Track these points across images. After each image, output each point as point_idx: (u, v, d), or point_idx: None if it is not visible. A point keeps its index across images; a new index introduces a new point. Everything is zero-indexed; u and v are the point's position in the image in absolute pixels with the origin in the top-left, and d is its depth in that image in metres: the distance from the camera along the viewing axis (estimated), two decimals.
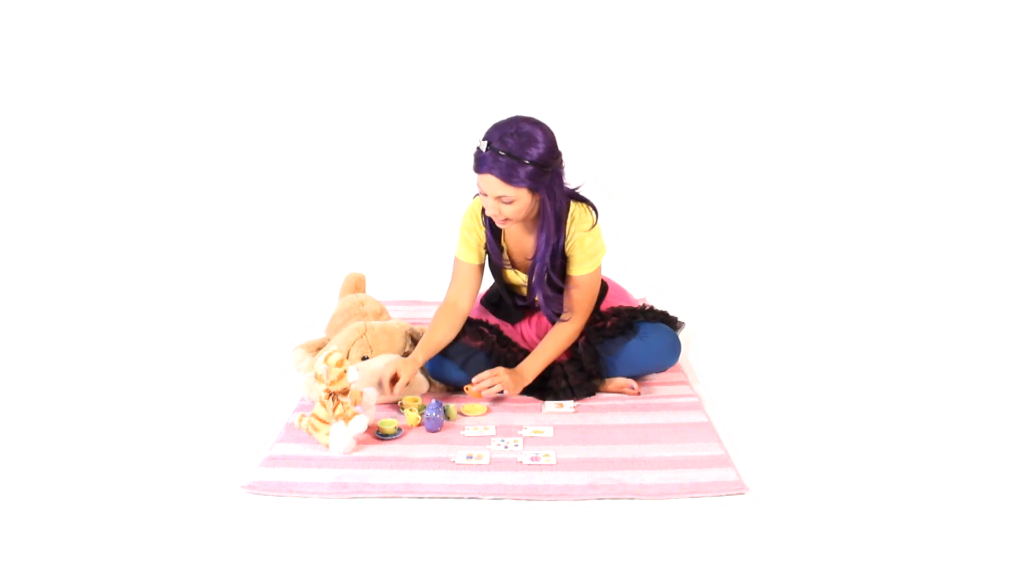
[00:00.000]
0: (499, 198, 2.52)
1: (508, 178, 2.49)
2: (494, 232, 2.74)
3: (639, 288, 3.44)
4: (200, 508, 2.13)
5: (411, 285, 3.79)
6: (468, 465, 2.31)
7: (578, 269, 2.71)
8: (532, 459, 2.34)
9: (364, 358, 2.75)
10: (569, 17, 4.42)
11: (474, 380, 2.65)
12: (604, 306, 2.88)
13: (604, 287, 2.96)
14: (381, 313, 3.05)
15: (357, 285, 3.20)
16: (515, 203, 2.54)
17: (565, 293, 2.74)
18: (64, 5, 4.37)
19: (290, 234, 4.36)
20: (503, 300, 2.90)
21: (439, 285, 3.59)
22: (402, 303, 3.62)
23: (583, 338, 2.77)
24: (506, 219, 2.58)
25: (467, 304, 2.78)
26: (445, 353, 2.75)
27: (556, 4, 4.41)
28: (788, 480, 2.25)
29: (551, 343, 2.74)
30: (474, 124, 4.26)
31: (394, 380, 2.60)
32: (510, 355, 2.77)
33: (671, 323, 2.87)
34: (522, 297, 2.89)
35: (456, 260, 2.80)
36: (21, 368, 3.04)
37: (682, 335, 2.95)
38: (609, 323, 2.78)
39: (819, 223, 4.31)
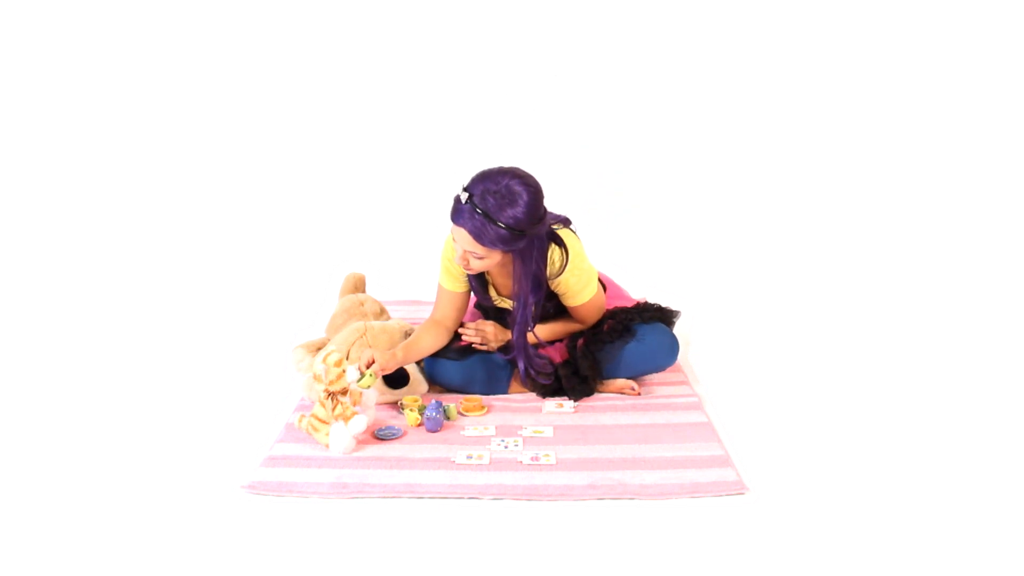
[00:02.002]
0: (468, 251, 2.48)
1: (479, 237, 2.42)
2: (479, 276, 2.72)
3: (638, 288, 3.44)
4: (200, 508, 2.13)
5: (411, 285, 3.78)
6: (468, 465, 2.31)
7: (573, 302, 2.70)
8: (532, 459, 2.34)
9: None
10: (570, 17, 4.41)
11: (461, 331, 2.72)
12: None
13: (602, 286, 2.97)
14: (381, 313, 3.05)
15: (357, 285, 3.20)
16: (484, 259, 2.49)
17: (572, 312, 2.75)
18: (64, 5, 4.37)
19: (290, 234, 4.36)
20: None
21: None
22: (402, 303, 3.62)
23: (581, 340, 2.77)
24: (472, 269, 2.54)
25: (453, 324, 2.76)
26: (441, 353, 2.75)
27: (557, 4, 4.41)
28: (788, 480, 2.25)
29: (554, 325, 2.75)
30: (474, 124, 4.29)
31: (369, 365, 2.54)
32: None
33: (668, 319, 2.86)
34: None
35: (440, 287, 2.77)
36: (22, 369, 3.04)
37: (681, 335, 2.94)
38: (606, 327, 2.77)
39: (818, 223, 4.31)
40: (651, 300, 2.98)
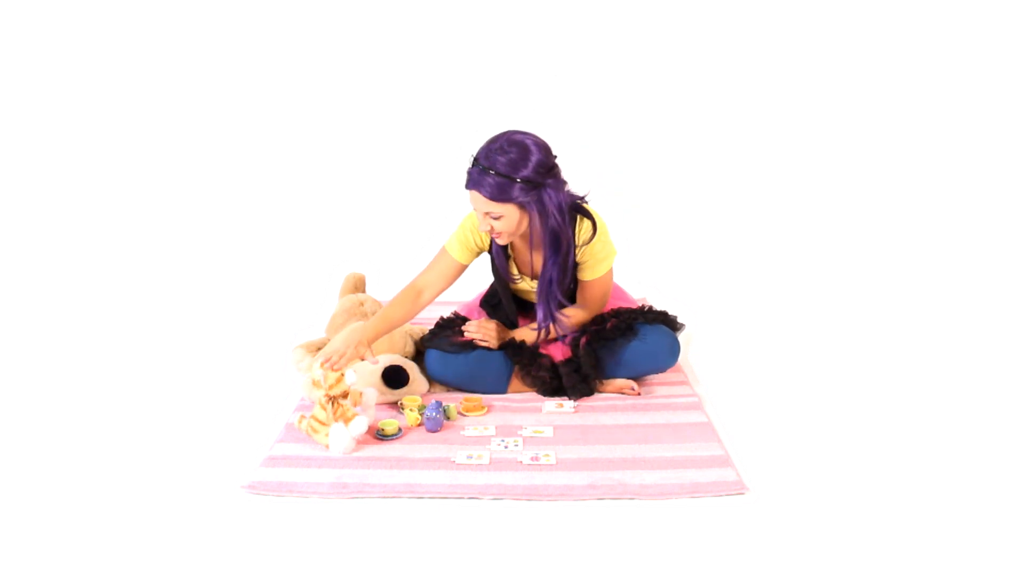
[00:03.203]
0: (487, 214, 2.52)
1: (493, 195, 2.48)
2: (502, 246, 2.74)
3: (639, 288, 3.44)
4: (200, 508, 2.13)
5: None
6: (468, 465, 2.31)
7: (589, 274, 2.72)
8: (532, 459, 2.34)
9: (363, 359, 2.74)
10: (570, 17, 4.42)
11: (464, 328, 2.75)
12: (605, 307, 2.89)
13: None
14: None
15: (357, 285, 3.20)
16: (503, 219, 2.52)
17: (578, 294, 2.77)
18: (64, 5, 4.38)
19: (290, 234, 4.37)
20: (502, 303, 2.90)
21: None
22: None
23: (584, 338, 2.77)
24: (498, 234, 2.57)
25: (430, 297, 2.73)
26: (440, 346, 2.75)
27: (557, 4, 4.41)
28: (788, 480, 2.25)
29: (574, 313, 2.76)
30: (474, 124, 4.28)
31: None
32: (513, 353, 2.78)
33: (671, 324, 2.87)
34: (524, 303, 2.90)
35: (443, 250, 2.76)
36: (22, 369, 3.04)
37: (682, 336, 2.94)
38: (609, 324, 2.78)
39: (819, 223, 4.32)
40: (652, 302, 2.99)
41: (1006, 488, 2.21)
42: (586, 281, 2.74)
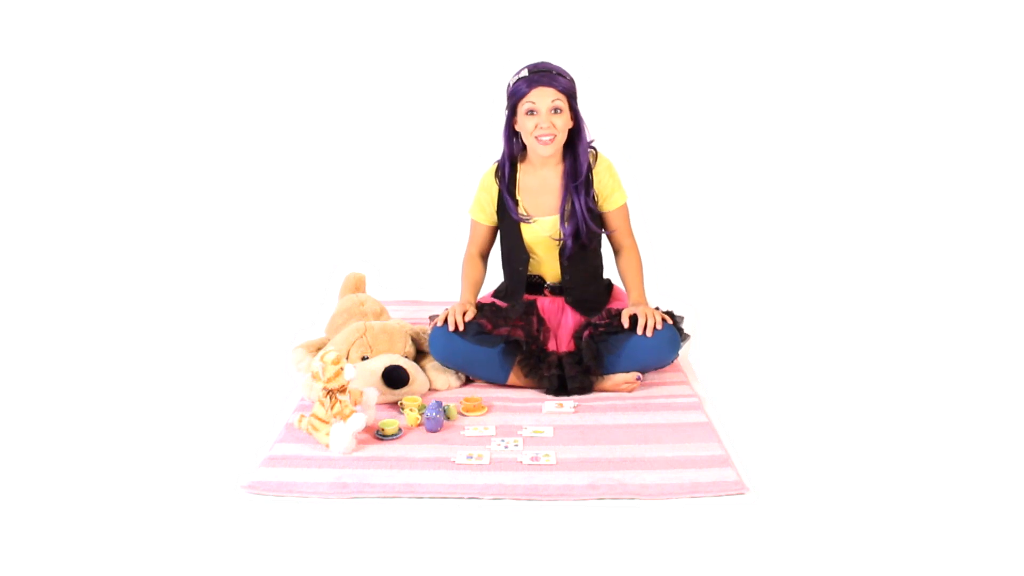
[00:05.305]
0: (552, 107, 2.72)
1: (565, 88, 2.74)
2: (509, 189, 2.85)
3: None
4: (200, 508, 2.13)
5: (411, 285, 3.78)
6: (468, 465, 2.31)
7: (611, 202, 2.89)
8: (532, 459, 2.34)
9: (364, 358, 2.75)
10: (567, 16, 4.42)
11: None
12: (611, 306, 2.91)
13: (610, 285, 3.02)
14: (381, 313, 3.05)
15: (357, 285, 3.20)
16: (563, 114, 2.75)
17: (610, 236, 2.95)
18: (64, 5, 4.38)
19: (290, 234, 4.36)
20: (515, 292, 2.92)
21: (439, 285, 3.60)
22: (402, 303, 3.62)
23: (587, 332, 2.77)
24: (554, 136, 2.74)
25: (487, 253, 3.02)
26: (481, 341, 2.75)
27: (554, 3, 4.41)
28: (788, 480, 2.25)
29: (634, 270, 2.93)
30: (473, 123, 4.30)
31: (464, 315, 2.75)
32: (538, 350, 2.78)
33: (676, 324, 2.87)
34: (535, 278, 2.92)
35: (472, 221, 2.98)
36: (22, 369, 3.04)
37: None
38: (615, 322, 2.79)
39: (819, 223, 4.32)
40: (652, 302, 2.99)
41: (1006, 488, 2.21)
42: (609, 215, 2.90)
